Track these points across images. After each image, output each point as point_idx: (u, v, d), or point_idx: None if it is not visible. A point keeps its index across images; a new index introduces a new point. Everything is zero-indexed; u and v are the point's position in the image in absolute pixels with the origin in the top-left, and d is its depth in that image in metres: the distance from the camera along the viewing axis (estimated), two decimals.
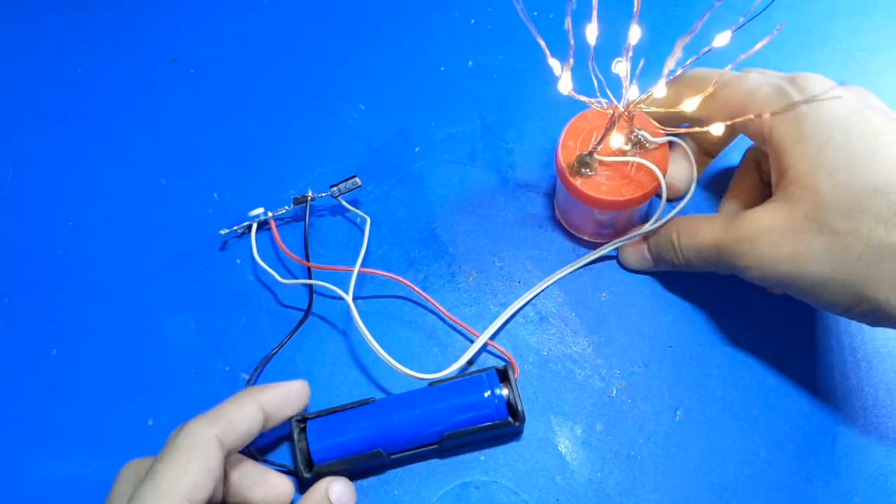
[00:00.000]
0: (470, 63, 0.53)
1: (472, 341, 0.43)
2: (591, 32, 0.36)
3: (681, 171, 0.43)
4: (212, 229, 0.47)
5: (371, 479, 0.40)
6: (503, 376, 0.40)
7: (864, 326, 0.42)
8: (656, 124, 0.41)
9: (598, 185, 0.41)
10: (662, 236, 0.41)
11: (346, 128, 0.51)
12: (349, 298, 0.41)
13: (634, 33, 0.36)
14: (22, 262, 0.48)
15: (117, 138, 0.52)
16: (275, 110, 0.53)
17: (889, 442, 0.40)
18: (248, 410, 0.36)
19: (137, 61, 0.55)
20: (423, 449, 0.39)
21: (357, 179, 0.46)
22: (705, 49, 0.35)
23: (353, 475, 0.40)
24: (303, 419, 0.40)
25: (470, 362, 0.43)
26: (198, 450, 0.32)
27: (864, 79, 0.50)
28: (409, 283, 0.43)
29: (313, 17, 0.56)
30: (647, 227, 0.42)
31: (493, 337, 0.43)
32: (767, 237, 0.34)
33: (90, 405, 0.43)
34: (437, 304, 0.43)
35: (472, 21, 0.55)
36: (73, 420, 0.43)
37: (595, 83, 0.38)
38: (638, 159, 0.40)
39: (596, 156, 0.40)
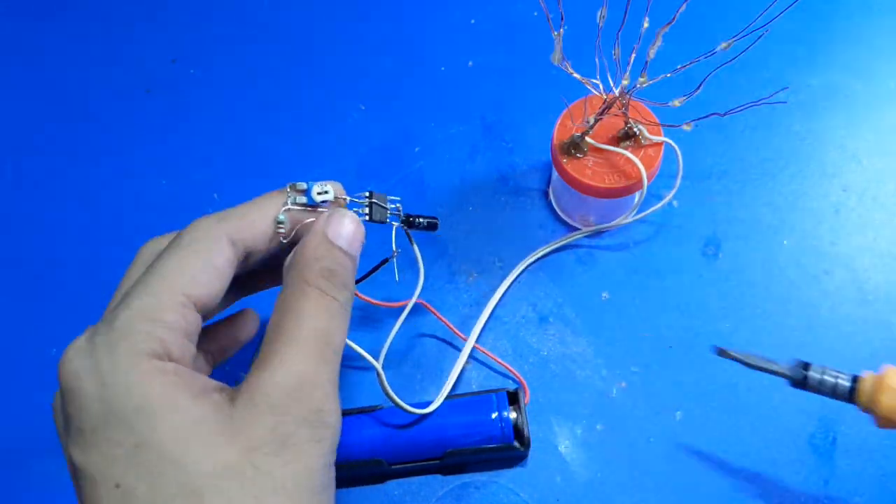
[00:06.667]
0: (470, 63, 0.53)
1: (478, 361, 0.43)
2: (601, 14, 0.36)
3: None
4: None
5: None
6: (513, 399, 0.39)
7: (865, 326, 0.42)
8: (655, 118, 0.41)
9: (584, 168, 0.41)
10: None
11: (346, 128, 0.51)
12: (379, 366, 0.36)
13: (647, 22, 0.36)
14: (22, 262, 0.48)
15: (117, 138, 0.52)
16: (275, 110, 0.52)
17: (889, 442, 0.39)
18: (268, 212, 0.32)
19: (137, 61, 0.55)
20: (425, 463, 0.39)
21: (437, 223, 0.38)
22: (709, 53, 0.36)
23: (353, 481, 0.40)
24: None
25: (462, 373, 0.43)
26: (202, 244, 0.30)
27: (865, 79, 0.50)
28: (425, 303, 0.42)
29: (313, 17, 0.56)
30: (627, 220, 0.43)
31: (495, 337, 0.43)
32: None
33: None
34: (446, 321, 0.43)
35: (472, 21, 0.55)
36: None
37: (597, 64, 0.38)
38: (626, 153, 0.40)
39: (587, 139, 0.41)
